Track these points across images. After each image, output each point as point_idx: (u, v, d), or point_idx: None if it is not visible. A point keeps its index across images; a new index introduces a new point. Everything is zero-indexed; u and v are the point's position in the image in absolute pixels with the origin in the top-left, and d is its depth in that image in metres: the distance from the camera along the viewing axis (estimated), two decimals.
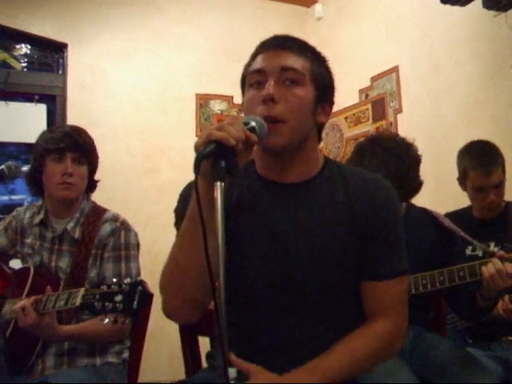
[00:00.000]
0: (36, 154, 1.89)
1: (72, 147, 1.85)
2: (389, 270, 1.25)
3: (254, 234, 1.25)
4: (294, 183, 1.27)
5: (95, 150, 1.95)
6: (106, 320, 1.44)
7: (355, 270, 1.25)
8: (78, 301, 1.52)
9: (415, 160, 1.90)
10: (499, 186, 2.21)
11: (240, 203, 1.27)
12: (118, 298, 1.42)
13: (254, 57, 1.26)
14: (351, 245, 1.24)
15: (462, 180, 2.29)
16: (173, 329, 1.83)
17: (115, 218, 1.91)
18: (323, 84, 1.25)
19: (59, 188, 1.86)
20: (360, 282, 1.27)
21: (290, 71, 1.20)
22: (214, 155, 1.01)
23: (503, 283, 1.63)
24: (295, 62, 1.21)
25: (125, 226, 1.89)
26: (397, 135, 2.13)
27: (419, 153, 1.92)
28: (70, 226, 1.88)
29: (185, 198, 1.25)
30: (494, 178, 2.17)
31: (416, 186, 1.90)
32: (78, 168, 1.87)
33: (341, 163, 1.38)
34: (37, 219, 1.93)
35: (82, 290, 1.54)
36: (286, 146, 1.20)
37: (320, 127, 1.31)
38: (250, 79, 1.24)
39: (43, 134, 1.93)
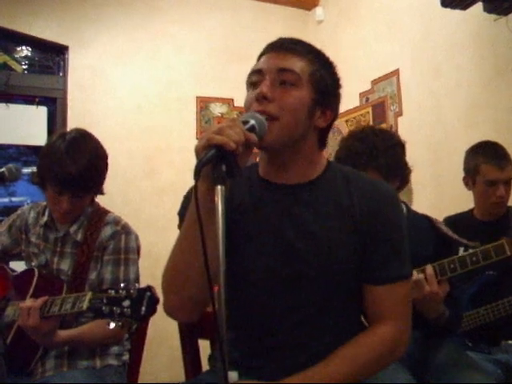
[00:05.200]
0: (39, 169, 1.82)
1: (69, 187, 1.74)
2: (390, 274, 1.25)
3: (256, 235, 1.26)
4: (294, 184, 1.27)
5: (98, 169, 1.82)
6: (113, 324, 1.43)
7: (357, 274, 1.25)
8: (85, 305, 1.51)
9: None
10: (509, 183, 2.27)
11: (242, 206, 1.28)
12: (126, 303, 1.40)
13: (258, 58, 1.29)
14: (353, 247, 1.24)
15: (471, 177, 2.33)
16: (173, 331, 1.83)
17: (116, 222, 1.89)
18: (324, 88, 1.26)
19: (55, 215, 1.86)
20: (362, 286, 1.27)
21: (286, 72, 1.22)
22: (214, 160, 1.01)
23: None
24: (294, 63, 1.23)
25: (125, 230, 1.88)
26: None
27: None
28: (72, 228, 1.87)
29: (189, 200, 1.25)
30: (506, 172, 2.25)
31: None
32: (77, 201, 1.80)
33: (344, 166, 1.38)
34: (41, 221, 1.92)
35: (89, 294, 1.52)
36: (277, 143, 1.20)
37: (322, 132, 1.30)
38: (250, 79, 1.26)
39: (47, 153, 1.79)
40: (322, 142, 1.32)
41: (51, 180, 1.75)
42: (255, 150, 1.18)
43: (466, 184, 2.39)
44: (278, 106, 1.19)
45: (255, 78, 1.24)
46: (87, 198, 1.86)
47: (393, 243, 1.26)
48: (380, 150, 1.82)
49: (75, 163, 1.73)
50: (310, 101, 1.23)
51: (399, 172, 1.87)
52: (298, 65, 1.23)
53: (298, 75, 1.22)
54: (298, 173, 1.28)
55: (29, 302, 1.64)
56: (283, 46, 1.26)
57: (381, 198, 1.27)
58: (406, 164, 1.91)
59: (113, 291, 1.45)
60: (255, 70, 1.26)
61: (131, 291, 1.42)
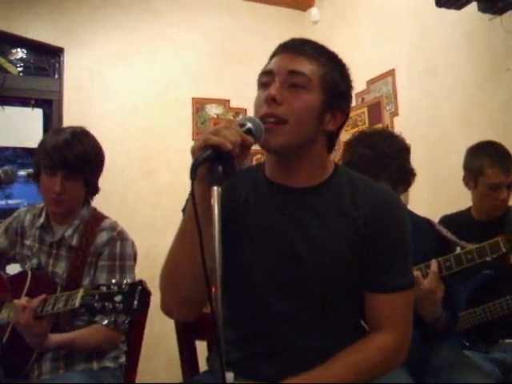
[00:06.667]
0: (35, 159, 1.87)
1: (63, 164, 1.76)
2: (392, 282, 1.24)
3: (257, 237, 1.25)
4: (300, 188, 1.27)
5: (94, 157, 1.86)
6: (106, 321, 1.43)
7: (358, 280, 1.25)
8: (77, 302, 1.51)
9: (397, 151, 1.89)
10: (510, 186, 2.25)
11: (246, 205, 1.28)
12: (118, 298, 1.42)
13: (270, 59, 1.28)
14: (355, 254, 1.23)
15: (473, 177, 2.29)
16: (170, 333, 1.83)
17: (112, 228, 1.88)
18: (335, 91, 1.24)
19: (50, 203, 1.86)
20: (364, 293, 1.26)
21: (297, 75, 1.21)
22: (210, 160, 1.01)
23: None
24: (305, 66, 1.21)
25: (121, 236, 1.87)
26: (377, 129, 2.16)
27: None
28: (67, 233, 1.87)
29: None
30: (511, 176, 2.22)
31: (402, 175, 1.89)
32: (70, 184, 1.80)
33: (352, 171, 1.36)
34: (38, 222, 1.92)
35: (80, 291, 1.53)
36: (285, 147, 1.20)
37: (331, 136, 1.29)
38: (260, 80, 1.26)
39: (43, 141, 1.86)
40: (331, 146, 1.31)
41: (45, 160, 1.78)
42: (253, 151, 1.18)
43: (466, 184, 2.36)
44: (287, 109, 1.18)
45: (265, 79, 1.24)
46: (80, 187, 1.85)
47: (396, 251, 1.25)
48: (391, 158, 1.82)
49: (71, 150, 1.78)
50: (320, 104, 1.22)
51: (406, 177, 1.88)
52: (308, 67, 1.21)
53: (309, 78, 1.20)
54: (305, 177, 1.27)
55: (24, 302, 1.62)
56: (294, 48, 1.25)
57: (386, 204, 1.26)
58: (412, 169, 1.91)
59: (105, 287, 1.47)
60: (266, 70, 1.25)
61: (123, 286, 1.43)
